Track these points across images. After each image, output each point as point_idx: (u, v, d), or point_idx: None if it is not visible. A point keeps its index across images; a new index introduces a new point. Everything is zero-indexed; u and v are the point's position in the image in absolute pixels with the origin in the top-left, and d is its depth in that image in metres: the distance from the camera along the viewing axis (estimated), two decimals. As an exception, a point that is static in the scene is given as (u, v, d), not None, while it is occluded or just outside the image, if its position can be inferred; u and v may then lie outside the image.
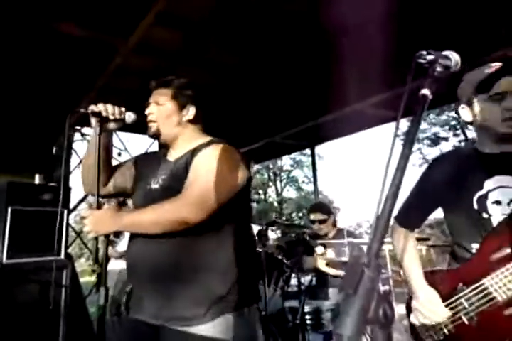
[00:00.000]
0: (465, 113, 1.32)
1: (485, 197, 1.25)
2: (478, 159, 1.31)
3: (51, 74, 3.28)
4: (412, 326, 1.37)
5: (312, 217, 3.32)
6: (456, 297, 1.23)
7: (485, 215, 1.24)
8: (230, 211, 1.35)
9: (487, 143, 1.31)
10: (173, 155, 1.53)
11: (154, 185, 1.46)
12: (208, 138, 1.52)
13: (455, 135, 20.22)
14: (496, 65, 1.23)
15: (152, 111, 1.50)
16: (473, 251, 1.25)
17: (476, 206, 1.25)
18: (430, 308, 1.26)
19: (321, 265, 3.07)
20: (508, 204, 1.21)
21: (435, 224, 13.75)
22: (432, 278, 1.33)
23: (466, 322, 1.20)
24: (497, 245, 1.17)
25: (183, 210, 1.26)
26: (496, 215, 1.22)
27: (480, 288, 1.17)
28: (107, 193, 1.61)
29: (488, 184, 1.25)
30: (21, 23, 2.70)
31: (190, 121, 1.52)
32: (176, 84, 1.52)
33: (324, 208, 3.38)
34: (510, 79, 1.20)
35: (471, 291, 1.20)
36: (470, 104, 1.29)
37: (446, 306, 1.25)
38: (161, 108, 1.49)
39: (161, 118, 1.48)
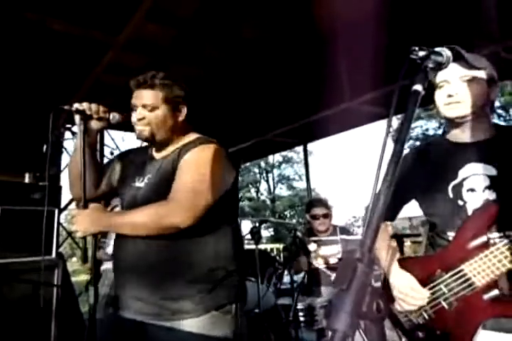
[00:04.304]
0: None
1: (460, 185, 1.27)
2: (451, 149, 1.33)
3: (41, 71, 3.25)
4: (390, 310, 1.37)
5: (315, 211, 3.22)
6: (435, 283, 1.26)
7: (460, 203, 1.26)
8: (217, 211, 1.34)
9: (453, 132, 1.34)
10: (160, 154, 1.51)
11: (139, 184, 1.44)
12: (195, 136, 1.49)
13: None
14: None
15: (142, 115, 1.40)
16: (450, 238, 1.28)
17: (451, 195, 1.28)
18: (408, 294, 1.26)
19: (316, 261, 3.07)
20: (483, 191, 1.23)
21: (426, 221, 13.89)
22: (408, 264, 1.34)
23: (446, 307, 1.23)
24: (473, 232, 1.20)
25: (174, 216, 1.25)
26: (471, 202, 1.24)
27: (459, 274, 1.20)
28: (101, 194, 1.58)
29: (463, 172, 1.27)
30: (10, 20, 2.66)
31: (183, 121, 1.48)
32: (163, 85, 1.41)
33: (326, 202, 3.34)
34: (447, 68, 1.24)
35: (450, 277, 1.22)
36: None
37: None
38: (154, 113, 1.40)
39: (155, 124, 1.40)
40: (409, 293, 1.26)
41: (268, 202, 28.02)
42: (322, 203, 3.30)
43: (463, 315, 1.20)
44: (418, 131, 20.97)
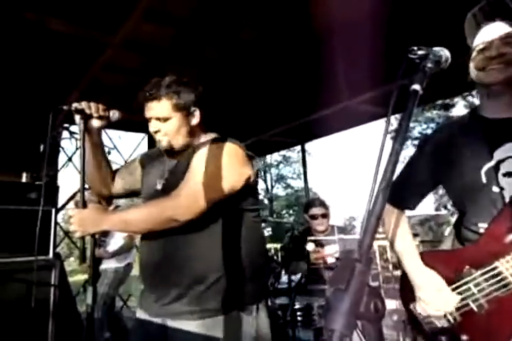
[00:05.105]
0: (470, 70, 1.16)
1: (495, 168, 1.09)
2: (484, 126, 1.15)
3: (38, 70, 3.23)
4: (409, 311, 1.25)
5: (314, 211, 3.22)
6: (463, 281, 1.11)
7: (495, 189, 1.08)
8: (233, 207, 1.36)
9: (487, 106, 1.18)
10: (177, 156, 1.51)
11: (159, 186, 1.46)
12: (210, 136, 1.49)
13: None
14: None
15: (157, 128, 1.41)
16: (481, 230, 1.11)
17: (484, 179, 1.10)
18: (441, 298, 1.12)
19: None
20: None
21: (424, 220, 13.93)
22: (431, 258, 1.21)
23: (475, 309, 1.08)
24: (510, 224, 1.04)
25: (169, 211, 1.26)
26: (509, 189, 1.07)
27: (492, 273, 1.05)
28: (116, 194, 1.62)
29: (498, 153, 1.09)
30: (7, 19, 2.65)
31: (198, 123, 1.47)
32: (170, 94, 1.38)
33: (324, 202, 3.34)
34: (489, 28, 1.11)
35: (481, 275, 1.07)
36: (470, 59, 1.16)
37: (451, 291, 1.14)
38: (167, 123, 1.40)
39: (170, 133, 1.41)
40: (437, 297, 1.12)
41: (266, 201, 28.03)
42: (320, 203, 3.30)
43: (495, 319, 1.04)
44: (418, 129, 21.07)
